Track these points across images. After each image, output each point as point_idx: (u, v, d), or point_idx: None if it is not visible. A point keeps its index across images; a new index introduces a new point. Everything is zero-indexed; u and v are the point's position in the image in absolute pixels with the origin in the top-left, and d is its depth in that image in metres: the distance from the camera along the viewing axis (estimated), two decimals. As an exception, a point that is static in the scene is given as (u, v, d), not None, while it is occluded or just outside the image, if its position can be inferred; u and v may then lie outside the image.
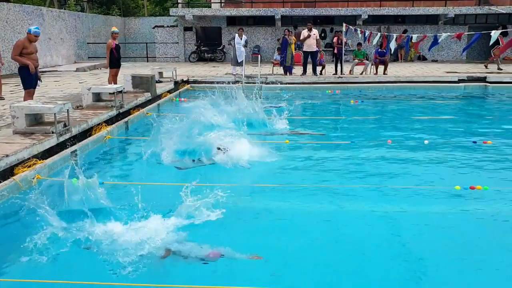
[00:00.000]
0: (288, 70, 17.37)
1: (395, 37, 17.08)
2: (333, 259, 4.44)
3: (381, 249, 4.64)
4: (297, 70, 18.09)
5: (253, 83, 16.02)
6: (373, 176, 6.87)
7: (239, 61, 16.48)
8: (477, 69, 19.07)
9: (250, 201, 5.86)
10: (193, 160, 7.34)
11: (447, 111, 12.54)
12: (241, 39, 16.85)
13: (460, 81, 16.47)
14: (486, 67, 18.83)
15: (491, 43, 15.61)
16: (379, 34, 17.33)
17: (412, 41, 18.64)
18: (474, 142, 8.64)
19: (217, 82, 15.98)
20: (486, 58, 24.57)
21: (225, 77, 17.04)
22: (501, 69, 18.47)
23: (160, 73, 15.25)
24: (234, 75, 16.77)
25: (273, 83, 16.22)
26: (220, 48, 24.90)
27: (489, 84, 16.14)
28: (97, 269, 4.19)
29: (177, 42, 25.78)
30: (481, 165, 7.45)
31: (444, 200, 5.90)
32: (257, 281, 4.00)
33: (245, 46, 16.96)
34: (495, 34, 14.75)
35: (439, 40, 16.39)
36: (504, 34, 17.89)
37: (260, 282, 3.99)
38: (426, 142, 8.67)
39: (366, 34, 17.32)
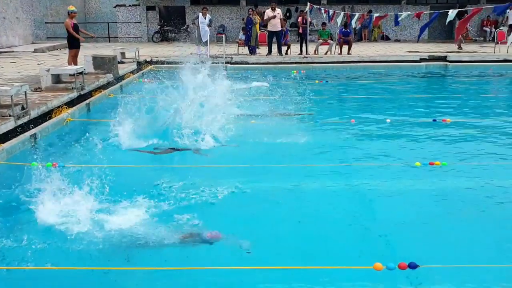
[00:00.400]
0: (252, 50, 17.29)
1: (356, 16, 17.21)
2: (299, 236, 4.52)
3: (346, 224, 4.75)
4: (263, 50, 18.03)
5: (218, 63, 15.89)
6: (337, 154, 6.98)
7: (203, 41, 16.28)
8: (438, 48, 19.48)
9: (215, 183, 5.85)
10: (156, 149, 7.22)
11: (408, 90, 12.81)
12: (205, 18, 16.62)
13: (421, 60, 16.80)
14: (459, 48, 18.97)
15: (447, 21, 15.84)
16: (342, 13, 17.42)
17: (372, 20, 18.82)
18: (434, 120, 8.88)
19: (181, 63, 15.89)
20: (447, 37, 25.14)
21: (190, 57, 16.82)
22: (461, 49, 18.89)
23: (122, 54, 14.91)
24: (199, 55, 16.56)
25: (238, 63, 16.14)
26: (184, 27, 24.48)
27: (449, 63, 16.54)
28: (55, 254, 4.12)
29: (140, 22, 25.18)
30: (440, 142, 7.67)
31: (405, 175, 6.07)
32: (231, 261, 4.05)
33: (209, 25, 16.75)
34: (452, 13, 14.96)
35: (399, 19, 16.62)
36: (462, 14, 18.26)
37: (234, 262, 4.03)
38: (388, 120, 8.85)
39: (330, 14, 17.38)
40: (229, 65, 15.92)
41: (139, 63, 14.76)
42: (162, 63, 16.03)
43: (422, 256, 4.04)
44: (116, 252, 4.15)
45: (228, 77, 11.49)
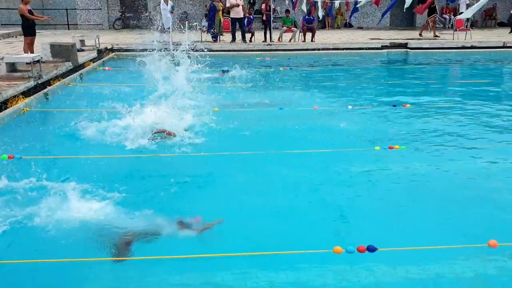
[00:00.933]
0: (215, 37, 17.15)
1: (320, 3, 17.30)
2: (260, 221, 4.56)
3: (306, 209, 4.83)
4: (227, 37, 17.91)
5: (181, 50, 15.68)
6: (299, 141, 7.03)
7: (165, 28, 16.00)
8: (399, 36, 19.83)
9: (181, 171, 5.83)
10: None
11: (370, 77, 13.01)
12: (167, 5, 16.34)
13: (383, 47, 17.09)
14: (436, 36, 19.10)
15: (405, 8, 15.99)
16: (305, 0, 17.46)
17: (335, 7, 18.96)
18: (394, 105, 9.07)
19: (143, 50, 15.58)
20: (408, 25, 25.61)
21: (152, 44, 16.53)
22: (438, 36, 18.95)
23: (82, 41, 14.51)
24: (161, 42, 16.27)
25: (202, 50, 15.96)
26: (146, 14, 24.00)
27: (410, 50, 16.89)
28: (17, 248, 4.03)
29: (100, 8, 24.52)
30: (400, 126, 7.85)
31: (365, 160, 6.20)
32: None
33: (171, 12, 16.48)
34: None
35: (358, 6, 16.78)
36: (423, 1, 18.59)
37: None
38: (350, 107, 8.98)
39: (293, 0, 17.40)
40: (192, 52, 15.72)
41: (99, 51, 14.40)
42: (124, 50, 15.71)
43: (381, 239, 4.15)
44: (77, 244, 4.08)
45: (192, 64, 11.40)
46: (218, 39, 17.18)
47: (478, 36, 19.19)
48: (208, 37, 17.72)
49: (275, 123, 8.09)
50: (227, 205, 4.92)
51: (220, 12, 17.08)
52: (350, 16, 19.36)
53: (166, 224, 4.36)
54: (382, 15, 18.39)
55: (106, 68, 13.26)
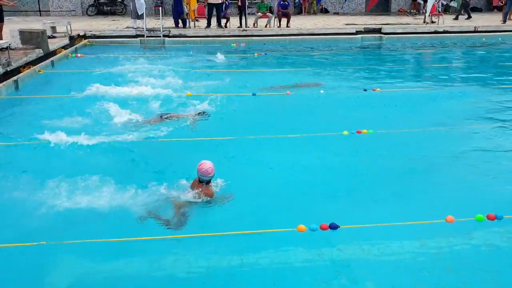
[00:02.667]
0: (180, 22, 17.07)
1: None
2: (227, 202, 4.66)
3: (273, 190, 4.95)
4: (202, 22, 17.81)
5: (156, 36, 15.58)
6: (271, 126, 7.12)
7: (139, 14, 15.80)
8: (373, 21, 19.99)
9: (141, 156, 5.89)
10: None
11: (344, 62, 13.14)
12: (140, -10, 16.11)
13: (357, 32, 17.22)
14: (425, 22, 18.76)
15: None
16: (280, -15, 17.45)
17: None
18: (365, 90, 9.22)
19: (117, 37, 15.43)
20: (383, 10, 25.81)
21: (126, 31, 16.37)
22: (434, 21, 18.85)
23: (53, 28, 14.25)
24: (135, 28, 16.13)
25: (176, 36, 15.87)
26: (120, 0, 23.66)
27: (384, 35, 17.08)
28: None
29: (73, -6, 24.02)
30: (369, 111, 8.00)
31: (333, 144, 6.35)
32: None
33: (145, -2, 16.27)
34: None
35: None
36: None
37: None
38: (322, 92, 9.10)
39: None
40: (167, 38, 15.64)
41: (71, 38, 14.17)
42: (97, 37, 15.50)
43: (343, 217, 4.31)
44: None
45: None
46: (189, 25, 17.08)
47: (451, 22, 19.49)
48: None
49: (247, 109, 8.16)
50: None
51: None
52: (318, 2, 19.49)
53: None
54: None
55: (79, 55, 13.09)
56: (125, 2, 23.51)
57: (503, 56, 14.39)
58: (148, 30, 15.69)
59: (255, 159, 5.86)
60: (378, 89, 9.24)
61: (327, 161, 5.79)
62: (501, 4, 21.28)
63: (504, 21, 18.59)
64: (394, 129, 6.98)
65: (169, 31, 16.02)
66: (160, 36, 15.54)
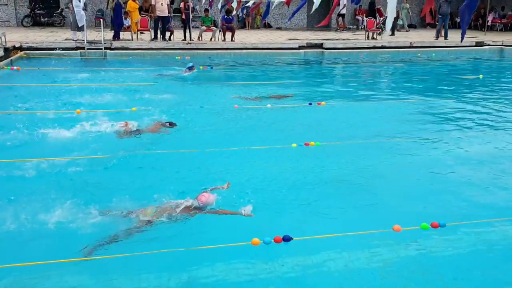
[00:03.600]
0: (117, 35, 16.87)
1: (234, 2, 17.50)
2: (181, 217, 4.57)
3: (226, 204, 4.89)
4: (146, 35, 17.58)
5: (97, 49, 15.17)
6: (219, 139, 7.10)
7: (79, 25, 15.33)
8: (315, 36, 20.54)
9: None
10: None
11: (287, 76, 13.39)
12: (80, 1, 15.64)
13: (300, 47, 17.61)
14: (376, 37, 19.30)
15: (312, 10, 16.32)
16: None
17: (249, 6, 19.25)
18: (310, 103, 9.42)
19: (57, 49, 14.87)
20: (324, 26, 26.57)
21: (65, 43, 15.82)
22: (374, 38, 19.44)
23: (-15, 39, 13.55)
24: (75, 40, 15.64)
25: (119, 48, 15.54)
26: (58, 11, 22.87)
27: (325, 50, 17.57)
28: None
29: (6, 4, 22.95)
30: (315, 124, 8.16)
31: (282, 156, 6.42)
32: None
33: (85, 9, 15.80)
34: (317, 1, 15.21)
35: (272, 7, 17.09)
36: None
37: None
38: (269, 106, 9.19)
39: (210, -1, 17.46)
40: (109, 51, 15.28)
41: (6, 49, 13.52)
42: (34, 49, 14.87)
43: (296, 229, 4.35)
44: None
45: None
46: (131, 37, 16.84)
47: (388, 37, 20.38)
48: (125, 35, 17.18)
49: (193, 122, 8.09)
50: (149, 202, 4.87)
51: (137, 12, 16.77)
52: (263, 19, 19.88)
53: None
54: (291, 16, 19.00)
55: (15, 67, 12.49)
56: (63, 14, 22.76)
57: (439, 69, 15.24)
58: (89, 42, 15.26)
59: (203, 173, 5.81)
60: (323, 102, 9.47)
61: (277, 173, 5.84)
62: (434, 22, 22.61)
63: (437, 38, 19.71)
64: (340, 140, 7.17)
65: (111, 43, 15.67)
66: (101, 49, 15.15)
